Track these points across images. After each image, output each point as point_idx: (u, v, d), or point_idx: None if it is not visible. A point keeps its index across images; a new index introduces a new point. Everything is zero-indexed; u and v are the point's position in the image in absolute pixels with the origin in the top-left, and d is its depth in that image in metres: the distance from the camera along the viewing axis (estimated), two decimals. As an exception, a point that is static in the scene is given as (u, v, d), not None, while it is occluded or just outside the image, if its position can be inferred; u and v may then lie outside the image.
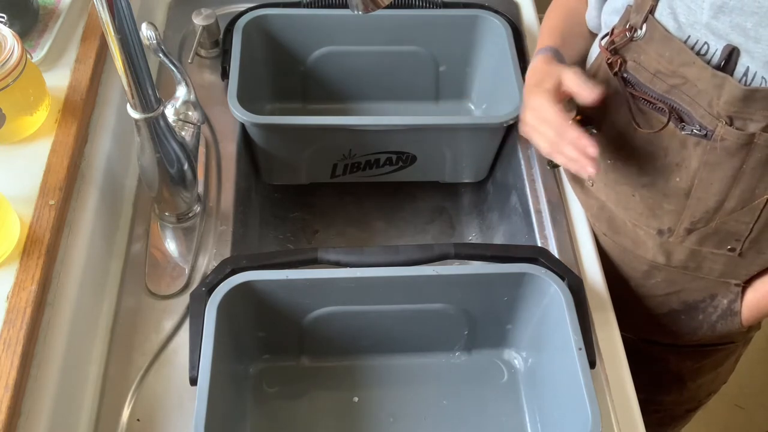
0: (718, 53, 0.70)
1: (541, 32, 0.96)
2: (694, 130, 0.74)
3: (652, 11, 0.74)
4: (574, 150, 0.76)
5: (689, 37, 0.72)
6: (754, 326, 0.96)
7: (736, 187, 0.76)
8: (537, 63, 0.86)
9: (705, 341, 0.97)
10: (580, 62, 0.93)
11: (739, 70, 0.70)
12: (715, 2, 0.68)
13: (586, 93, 0.75)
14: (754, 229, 0.79)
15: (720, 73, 0.70)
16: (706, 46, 0.71)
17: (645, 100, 0.77)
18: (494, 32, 1.07)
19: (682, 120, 0.75)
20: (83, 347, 0.78)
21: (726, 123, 0.71)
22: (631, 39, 0.76)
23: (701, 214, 0.80)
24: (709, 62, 0.71)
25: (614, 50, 0.79)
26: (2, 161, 0.81)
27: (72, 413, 0.74)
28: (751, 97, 0.69)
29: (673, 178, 0.79)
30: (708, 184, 0.77)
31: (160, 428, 0.75)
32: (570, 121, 0.77)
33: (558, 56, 0.87)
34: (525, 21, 1.16)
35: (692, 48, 0.72)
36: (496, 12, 1.08)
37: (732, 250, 0.82)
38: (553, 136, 0.78)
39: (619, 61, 0.78)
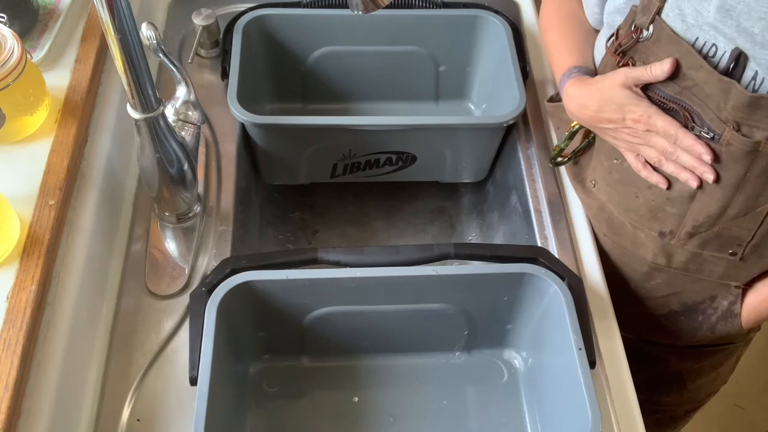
0: (726, 56, 0.69)
1: (548, 49, 0.95)
2: (703, 133, 0.73)
3: (659, 12, 0.73)
4: (690, 157, 0.75)
5: (697, 38, 0.71)
6: (754, 327, 0.96)
7: (740, 194, 0.75)
8: (576, 88, 0.84)
9: (705, 342, 0.97)
10: None
11: (748, 74, 0.69)
12: (722, 5, 0.68)
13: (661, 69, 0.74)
14: (756, 234, 0.79)
15: (726, 78, 0.69)
16: (714, 48, 0.70)
17: (656, 100, 0.76)
18: (494, 32, 1.07)
19: (693, 121, 0.74)
20: (83, 347, 0.78)
21: (733, 128, 0.71)
22: (638, 40, 0.76)
23: (704, 219, 0.80)
24: (717, 65, 0.70)
25: (622, 52, 0.79)
26: (2, 161, 0.81)
27: (72, 413, 0.74)
28: (757, 104, 0.68)
29: (679, 180, 0.79)
30: (712, 189, 0.76)
31: (160, 428, 0.75)
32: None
33: (589, 73, 0.86)
34: (525, 21, 1.16)
35: (701, 49, 0.71)
36: (496, 12, 1.08)
37: (733, 254, 0.82)
38: (666, 145, 0.76)
39: (629, 63, 0.78)
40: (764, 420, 1.80)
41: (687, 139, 0.74)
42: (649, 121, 0.76)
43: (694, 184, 0.77)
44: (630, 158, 0.82)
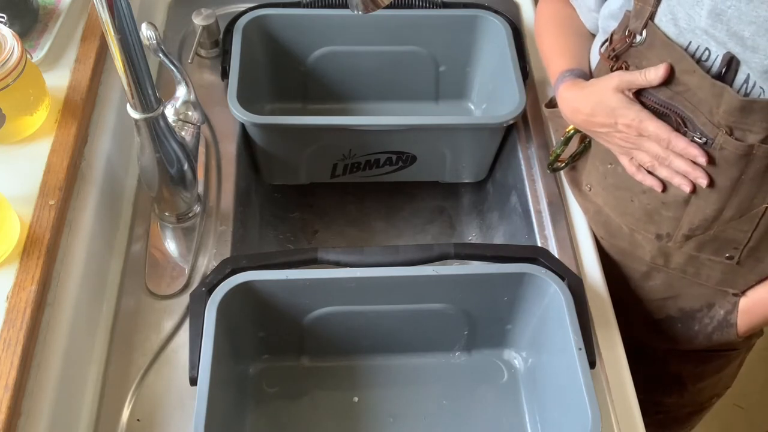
0: (719, 60, 0.69)
1: (544, 53, 0.95)
2: (695, 137, 0.73)
3: (652, 17, 0.73)
4: (683, 162, 0.75)
5: (690, 42, 0.71)
6: (756, 333, 0.96)
7: (735, 197, 0.75)
8: (570, 92, 0.84)
9: (703, 349, 0.97)
10: None
11: (740, 78, 0.69)
12: (713, 9, 0.68)
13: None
14: (752, 237, 0.79)
15: (719, 83, 0.69)
16: (707, 53, 0.70)
17: (649, 105, 0.76)
18: (494, 32, 1.07)
19: (685, 126, 0.74)
20: (83, 347, 0.78)
21: (726, 132, 0.71)
22: (631, 45, 0.76)
23: (700, 222, 0.80)
24: (710, 69, 0.70)
25: (615, 57, 0.78)
26: (2, 161, 0.81)
27: (72, 413, 0.74)
28: (749, 108, 0.68)
29: (673, 185, 0.79)
30: (706, 193, 0.76)
31: (160, 428, 0.75)
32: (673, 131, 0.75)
33: (583, 76, 0.86)
34: (525, 21, 1.16)
35: (693, 54, 0.71)
36: (496, 12, 1.08)
37: (730, 258, 0.82)
38: (659, 150, 0.76)
39: (622, 67, 0.78)
40: (764, 420, 1.80)
41: (680, 142, 0.74)
42: (641, 126, 0.76)
43: (687, 188, 0.77)
44: (624, 161, 0.82)
